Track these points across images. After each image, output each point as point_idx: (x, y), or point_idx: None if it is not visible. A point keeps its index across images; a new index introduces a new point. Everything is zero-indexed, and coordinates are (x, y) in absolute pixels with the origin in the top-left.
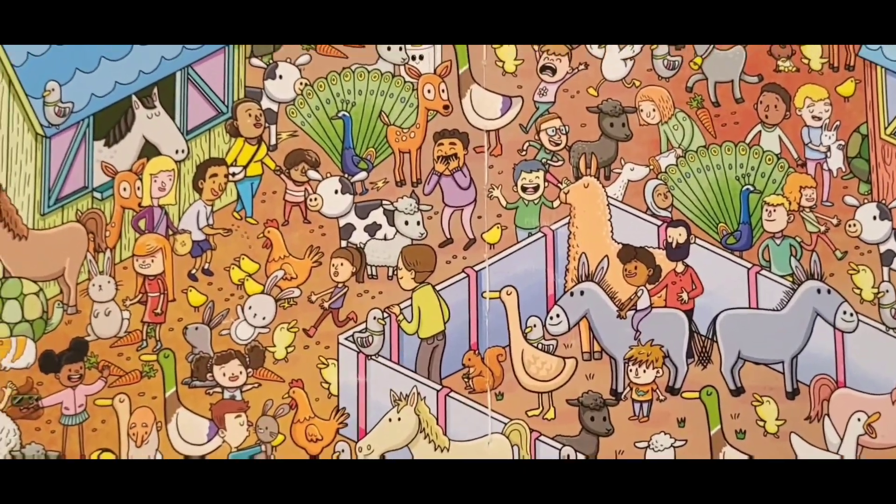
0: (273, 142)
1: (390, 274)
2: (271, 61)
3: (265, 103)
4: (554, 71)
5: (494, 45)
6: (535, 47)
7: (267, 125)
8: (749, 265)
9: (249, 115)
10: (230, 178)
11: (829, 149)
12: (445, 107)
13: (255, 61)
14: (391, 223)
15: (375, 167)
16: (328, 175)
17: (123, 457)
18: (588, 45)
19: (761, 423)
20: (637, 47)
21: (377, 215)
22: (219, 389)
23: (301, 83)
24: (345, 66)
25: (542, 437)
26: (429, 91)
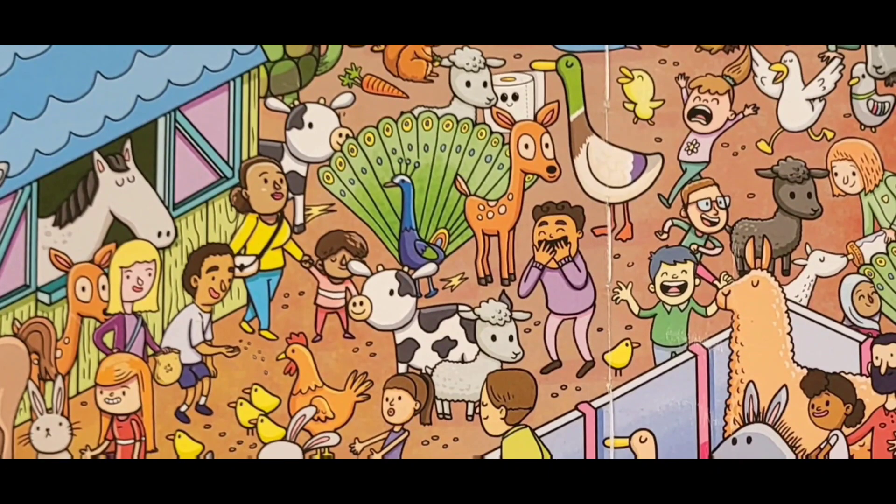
0: (300, 220)
1: (470, 412)
2: (296, 102)
3: (288, 164)
4: (709, 116)
5: (621, 79)
6: (682, 81)
7: (291, 196)
8: None
9: (265, 180)
10: (237, 272)
11: None
12: (551, 169)
13: (272, 102)
14: (471, 338)
15: (448, 256)
16: (379, 269)
17: None
18: (758, 78)
19: None
20: (830, 76)
21: (451, 327)
22: None
23: (341, 134)
24: (404, 109)
25: None
26: (526, 146)
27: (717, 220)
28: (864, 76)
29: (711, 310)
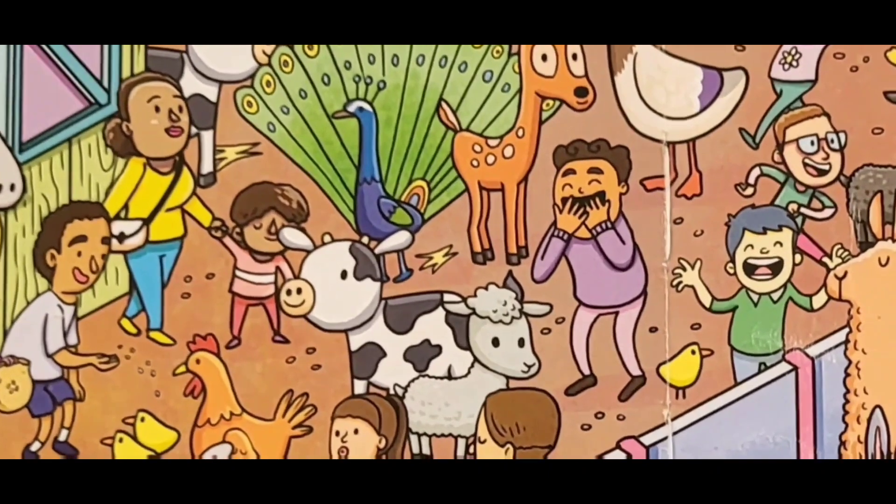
0: (208, 167)
1: (461, 452)
2: None
3: (190, 83)
4: None
5: None
6: None
7: (195, 131)
8: None
9: (157, 108)
10: (115, 244)
11: None
12: (581, 91)
13: None
14: (462, 343)
15: (428, 222)
16: (326, 239)
17: None
18: None
19: None
20: None
21: (432, 326)
22: None
23: (265, 48)
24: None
25: None
26: (544, 58)
27: (826, 166)
28: None
29: (819, 301)
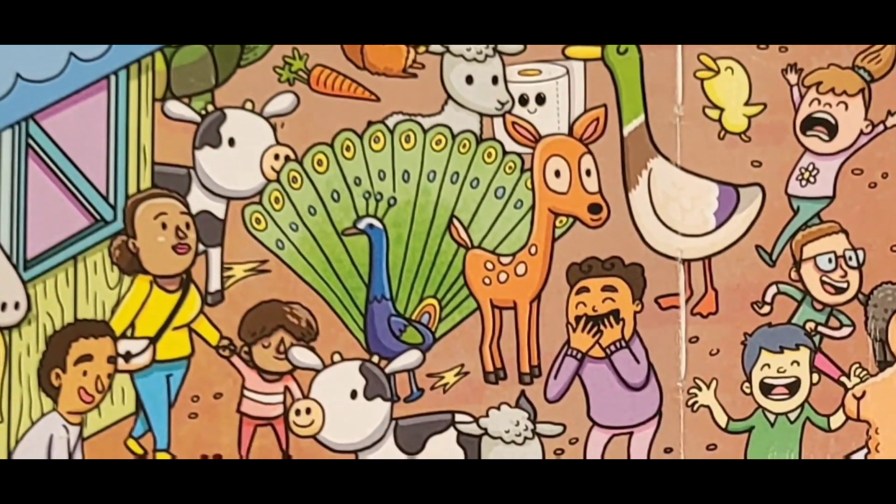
0: (215, 285)
1: None
2: (210, 107)
3: (198, 200)
4: (833, 129)
5: (701, 72)
6: (793, 76)
7: (203, 249)
8: None
9: (163, 225)
10: (121, 364)
11: None
12: (595, 208)
13: (174, 107)
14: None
15: (439, 341)
16: (336, 359)
17: None
18: None
19: None
20: None
21: (444, 446)
22: None
23: (277, 156)
24: (374, 118)
25: None
26: (558, 174)
27: (844, 284)
28: None
29: (837, 421)
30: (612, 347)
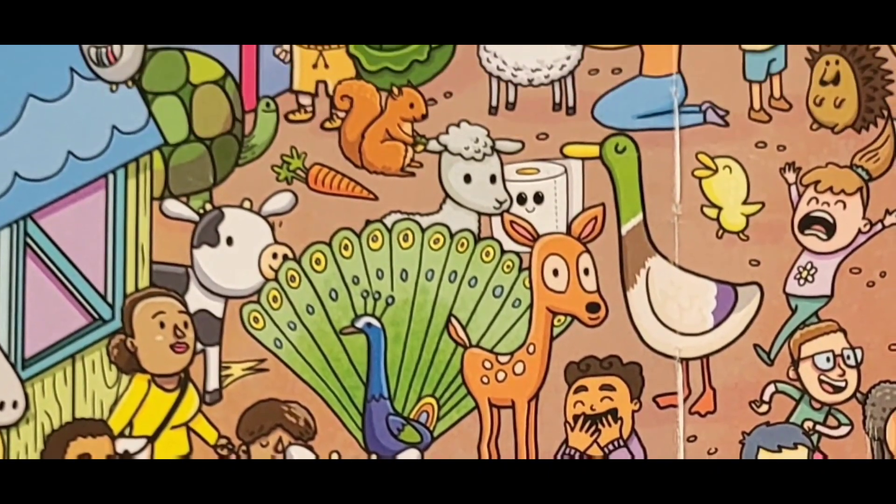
0: (213, 384)
1: None
2: (208, 206)
3: (196, 299)
4: (831, 228)
5: (699, 170)
6: (791, 174)
7: (201, 348)
8: None
9: (161, 324)
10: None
11: None
12: (593, 307)
13: (172, 206)
14: None
15: (437, 440)
16: (334, 457)
17: None
18: None
19: None
20: None
21: None
22: None
23: (276, 255)
24: (372, 217)
25: None
26: (556, 273)
27: (843, 383)
28: None
29: None
30: (611, 446)
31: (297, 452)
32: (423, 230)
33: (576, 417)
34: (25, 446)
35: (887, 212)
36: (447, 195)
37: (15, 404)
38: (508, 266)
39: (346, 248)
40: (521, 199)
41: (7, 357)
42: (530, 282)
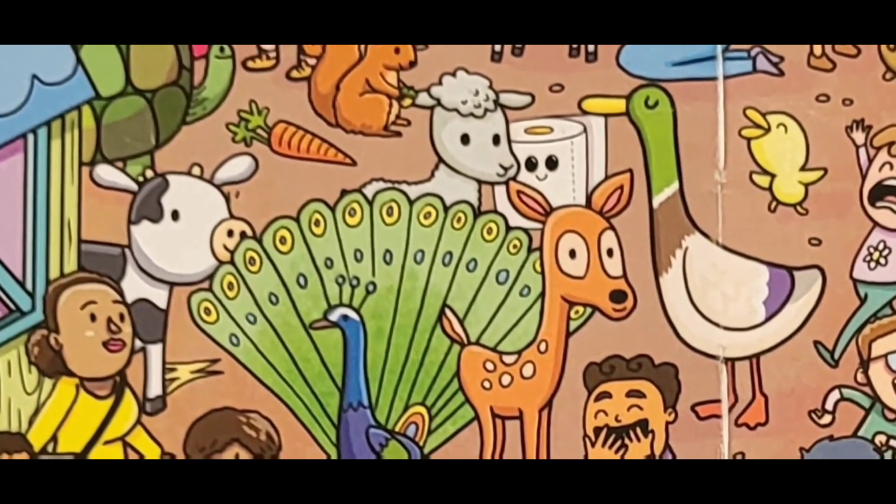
0: (156, 390)
1: None
2: (149, 173)
3: (134, 286)
4: None
5: (748, 129)
6: (859, 133)
7: (140, 345)
8: None
9: (92, 317)
10: None
11: None
12: (618, 295)
13: (106, 172)
14: None
15: (429, 455)
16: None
17: None
18: None
19: None
20: None
21: None
22: None
23: (231, 232)
24: (348, 186)
25: None
26: (573, 254)
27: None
28: None
29: None
30: None
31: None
32: (410, 202)
33: (597, 430)
34: None
35: None
36: (440, 159)
37: None
38: (515, 246)
39: (317, 223)
40: (531, 165)
41: None
42: (542, 265)
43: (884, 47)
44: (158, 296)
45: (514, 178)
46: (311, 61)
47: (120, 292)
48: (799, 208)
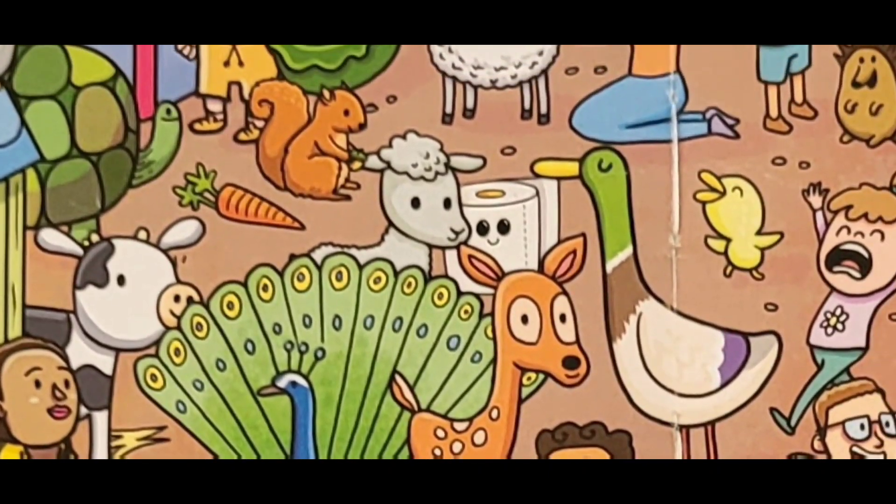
0: (101, 457)
1: None
2: (94, 237)
3: (80, 353)
4: (866, 264)
5: (702, 193)
6: (816, 198)
7: (86, 412)
8: None
9: (37, 383)
10: None
11: None
12: (571, 362)
13: (50, 237)
14: None
15: None
16: None
17: None
18: None
19: None
20: None
21: None
22: None
23: (178, 298)
24: (297, 251)
25: None
26: (525, 320)
27: (880, 456)
28: None
29: None
30: None
31: None
32: (360, 267)
33: None
34: None
35: None
36: (391, 223)
37: None
38: (466, 311)
39: (265, 288)
40: (483, 229)
41: None
42: (494, 331)
43: (840, 109)
44: (104, 362)
45: (465, 243)
46: (259, 123)
47: (65, 358)
48: (755, 273)
